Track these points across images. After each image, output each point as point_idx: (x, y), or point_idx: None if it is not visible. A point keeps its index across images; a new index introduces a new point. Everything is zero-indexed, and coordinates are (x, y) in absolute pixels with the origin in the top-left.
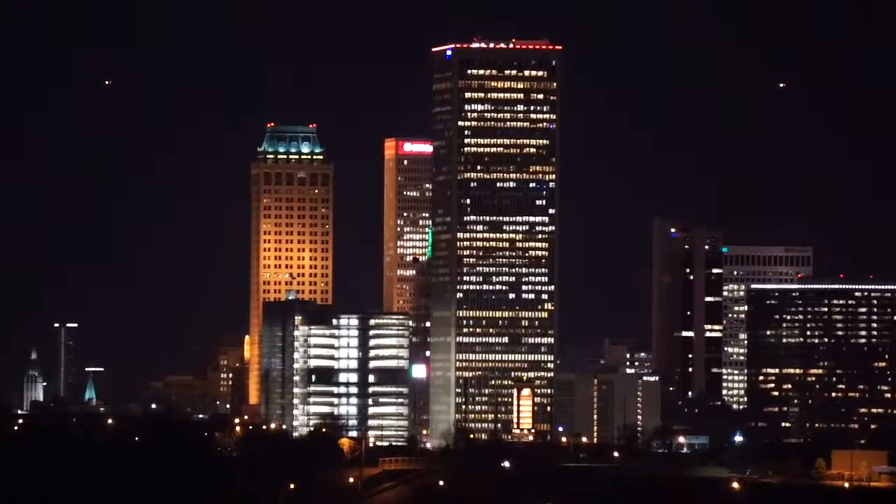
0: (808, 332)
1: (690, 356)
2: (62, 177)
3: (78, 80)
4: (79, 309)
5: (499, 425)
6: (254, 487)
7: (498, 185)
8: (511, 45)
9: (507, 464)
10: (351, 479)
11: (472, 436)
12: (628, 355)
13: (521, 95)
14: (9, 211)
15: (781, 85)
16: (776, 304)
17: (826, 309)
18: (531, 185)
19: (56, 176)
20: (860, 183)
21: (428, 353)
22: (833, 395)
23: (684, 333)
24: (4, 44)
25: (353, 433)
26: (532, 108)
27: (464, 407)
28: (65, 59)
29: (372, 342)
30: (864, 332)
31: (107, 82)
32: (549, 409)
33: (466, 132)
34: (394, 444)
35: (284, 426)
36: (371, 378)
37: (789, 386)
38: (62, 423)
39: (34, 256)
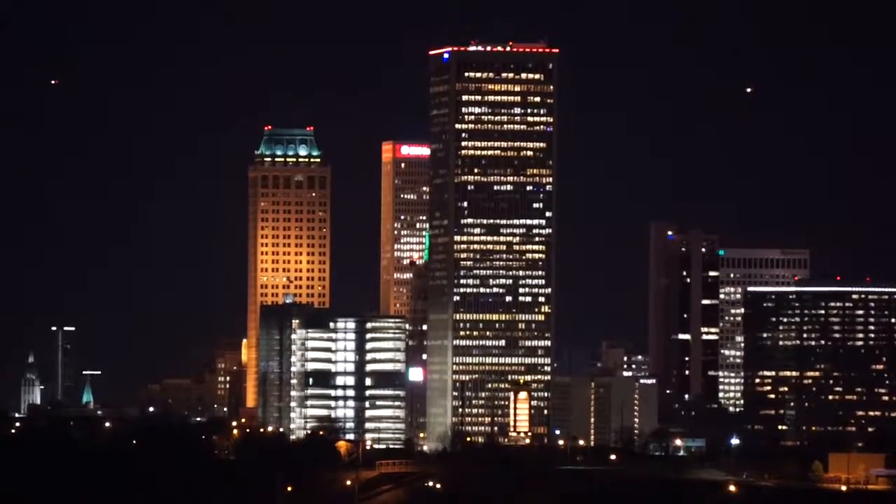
0: (805, 335)
1: (687, 359)
2: (62, 178)
3: (78, 80)
4: (76, 312)
5: (495, 428)
6: (251, 490)
7: (495, 187)
8: (508, 48)
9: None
10: (348, 482)
11: (468, 439)
12: (625, 358)
13: (518, 98)
14: (8, 211)
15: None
16: (773, 306)
17: (823, 311)
18: (528, 187)
19: (56, 177)
20: (859, 183)
21: (425, 356)
22: (830, 397)
23: (681, 336)
24: (5, 43)
25: (350, 436)
26: (529, 110)
27: (460, 410)
28: (64, 59)
29: (369, 345)
30: (861, 335)
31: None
32: (545, 412)
33: (463, 135)
34: (391, 446)
35: (281, 429)
36: (368, 381)
37: (786, 388)
38: (59, 426)
39: (33, 258)
